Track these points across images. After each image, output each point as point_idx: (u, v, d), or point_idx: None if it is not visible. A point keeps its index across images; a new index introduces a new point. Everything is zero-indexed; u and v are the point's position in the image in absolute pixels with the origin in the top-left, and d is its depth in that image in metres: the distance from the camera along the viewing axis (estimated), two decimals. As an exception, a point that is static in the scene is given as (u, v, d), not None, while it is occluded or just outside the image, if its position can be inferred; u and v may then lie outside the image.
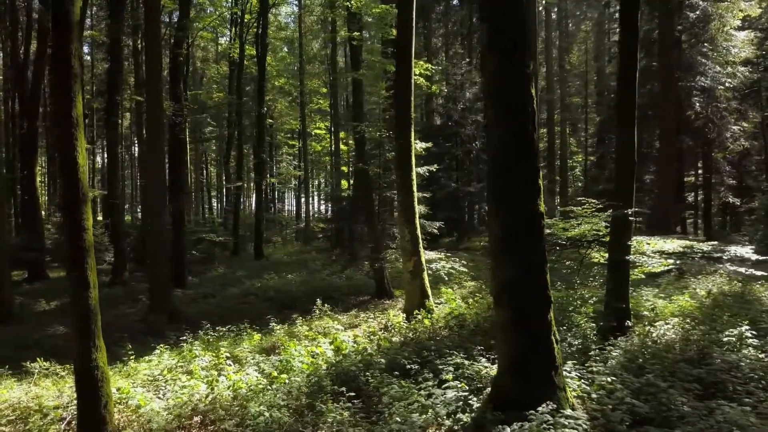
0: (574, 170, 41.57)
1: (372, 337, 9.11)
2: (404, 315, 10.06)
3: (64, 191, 5.34)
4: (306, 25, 41.62)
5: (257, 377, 6.70)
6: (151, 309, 12.43)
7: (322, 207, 58.12)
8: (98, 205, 37.45)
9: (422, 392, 5.42)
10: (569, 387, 5.28)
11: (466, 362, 6.60)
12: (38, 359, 7.89)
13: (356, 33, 13.91)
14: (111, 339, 10.91)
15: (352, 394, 5.99)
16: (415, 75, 14.95)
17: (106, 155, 49.15)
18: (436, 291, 12.34)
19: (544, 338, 5.12)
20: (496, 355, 7.12)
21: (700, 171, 24.37)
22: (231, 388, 6.27)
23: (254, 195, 45.07)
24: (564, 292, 9.36)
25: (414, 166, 11.07)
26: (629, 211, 8.21)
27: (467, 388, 5.68)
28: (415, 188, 11.05)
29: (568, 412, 4.74)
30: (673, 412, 4.95)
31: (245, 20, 31.84)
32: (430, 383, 5.71)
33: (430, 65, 14.65)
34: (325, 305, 11.23)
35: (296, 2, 38.37)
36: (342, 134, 31.50)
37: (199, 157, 44.12)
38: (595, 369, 5.96)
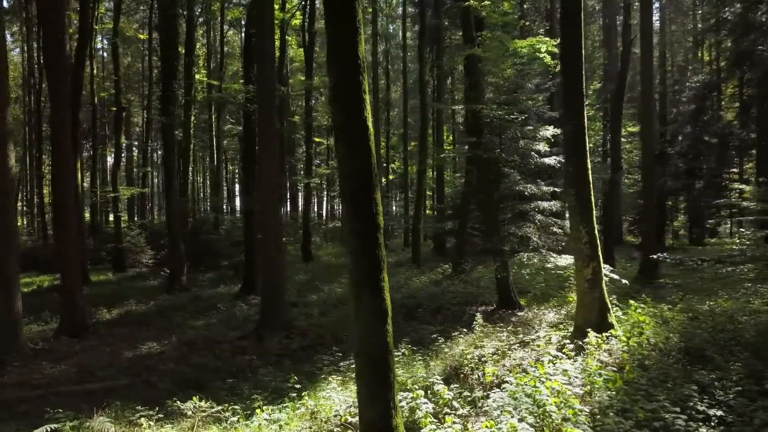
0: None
1: (580, 361, 7.26)
2: (594, 333, 8.22)
3: (351, 172, 3.51)
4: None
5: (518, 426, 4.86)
6: (262, 323, 10.54)
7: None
8: (122, 203, 35.57)
9: None
10: None
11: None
12: (194, 398, 6.06)
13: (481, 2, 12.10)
14: (239, 362, 9.09)
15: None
16: (541, 53, 13.17)
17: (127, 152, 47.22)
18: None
19: None
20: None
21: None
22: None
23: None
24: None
25: (588, 154, 9.23)
26: None
27: None
28: (591, 180, 9.22)
29: None
30: None
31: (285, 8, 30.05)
32: None
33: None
34: (481, 319, 9.40)
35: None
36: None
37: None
38: None
